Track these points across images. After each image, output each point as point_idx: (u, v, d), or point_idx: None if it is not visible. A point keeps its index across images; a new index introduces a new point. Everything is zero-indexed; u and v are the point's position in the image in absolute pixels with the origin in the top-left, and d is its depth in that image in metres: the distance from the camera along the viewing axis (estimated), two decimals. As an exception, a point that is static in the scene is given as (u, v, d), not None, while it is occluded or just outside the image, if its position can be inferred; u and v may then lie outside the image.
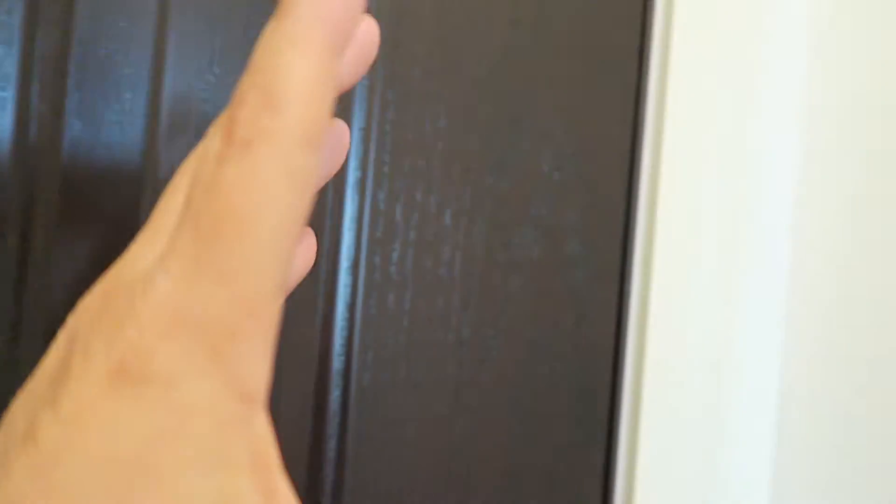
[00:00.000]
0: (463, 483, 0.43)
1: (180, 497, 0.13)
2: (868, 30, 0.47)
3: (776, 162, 0.50)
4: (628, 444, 0.50)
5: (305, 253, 0.20)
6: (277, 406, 0.37)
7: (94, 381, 0.13)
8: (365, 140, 0.37)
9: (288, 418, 0.37)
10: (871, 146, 0.50)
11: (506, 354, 0.43)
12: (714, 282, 0.49)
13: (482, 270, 0.42)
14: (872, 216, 0.51)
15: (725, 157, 0.46)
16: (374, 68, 0.36)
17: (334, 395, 0.38)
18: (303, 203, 0.14)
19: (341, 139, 0.18)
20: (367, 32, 0.16)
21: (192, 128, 0.31)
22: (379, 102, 0.37)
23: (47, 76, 0.28)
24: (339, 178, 0.36)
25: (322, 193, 0.36)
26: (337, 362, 0.38)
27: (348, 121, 0.36)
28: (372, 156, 0.37)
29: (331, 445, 0.38)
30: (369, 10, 0.36)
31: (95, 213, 0.29)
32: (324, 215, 0.36)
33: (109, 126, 0.30)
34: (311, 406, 0.37)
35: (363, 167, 0.37)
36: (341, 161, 0.18)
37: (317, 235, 0.37)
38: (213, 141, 0.14)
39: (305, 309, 0.36)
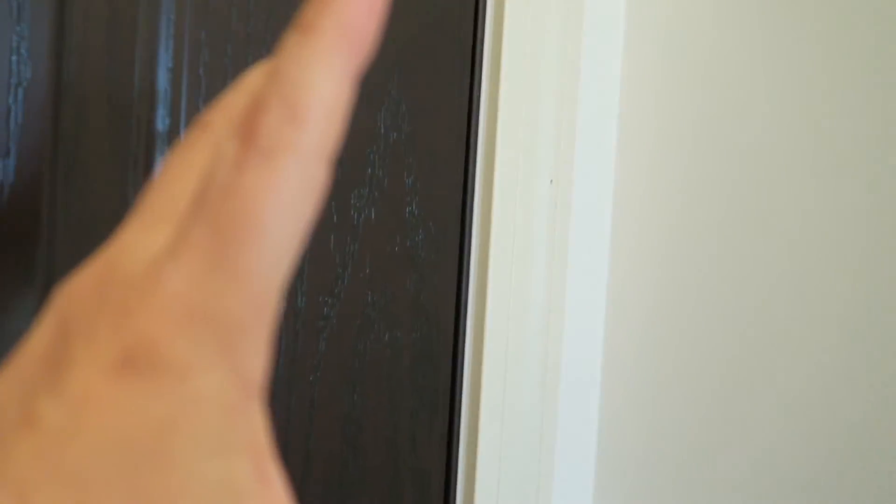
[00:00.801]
0: (302, 453, 0.41)
1: (188, 479, 0.13)
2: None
3: (602, 122, 0.51)
4: (469, 410, 0.49)
5: None
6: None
7: (100, 368, 0.13)
8: (175, 83, 0.33)
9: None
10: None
11: (344, 322, 0.41)
12: (547, 247, 0.49)
13: (317, 234, 0.40)
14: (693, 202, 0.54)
15: (559, 116, 0.47)
16: (182, 4, 0.33)
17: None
18: (312, 211, 0.15)
19: None
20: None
21: None
22: (189, 43, 0.33)
23: None
24: (149, 123, 0.32)
25: (129, 143, 0.32)
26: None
27: (154, 61, 0.32)
28: (184, 102, 0.33)
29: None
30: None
31: None
32: (132, 169, 0.32)
33: None
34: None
35: (173, 114, 0.33)
36: None
37: (128, 189, 0.33)
38: (228, 143, 0.14)
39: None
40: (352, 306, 0.41)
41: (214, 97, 0.33)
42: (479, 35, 0.43)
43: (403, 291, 0.43)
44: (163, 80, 0.32)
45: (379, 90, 0.40)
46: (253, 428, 0.14)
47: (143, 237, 0.15)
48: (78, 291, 0.15)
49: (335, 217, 0.40)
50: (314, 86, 0.14)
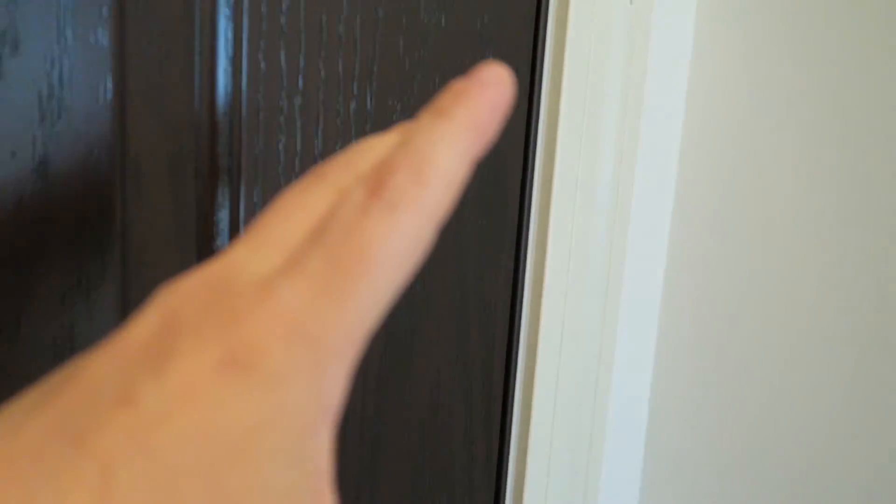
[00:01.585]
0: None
1: (262, 483, 0.14)
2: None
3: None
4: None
5: None
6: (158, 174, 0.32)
7: (204, 363, 0.14)
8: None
9: (172, 186, 0.32)
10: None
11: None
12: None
13: (385, 34, 0.37)
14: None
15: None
16: None
17: (223, 163, 0.33)
18: (416, 264, 0.17)
19: None
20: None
21: None
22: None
23: None
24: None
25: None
26: (223, 124, 0.33)
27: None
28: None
29: (221, 216, 0.33)
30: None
31: None
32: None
33: None
34: (197, 172, 0.32)
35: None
36: None
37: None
38: (356, 190, 0.16)
39: (181, 63, 0.31)
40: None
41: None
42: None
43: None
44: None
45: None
46: (322, 450, 0.15)
47: (254, 258, 0.16)
48: (187, 291, 0.16)
49: (403, 20, 0.38)
50: (441, 159, 0.17)
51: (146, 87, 0.31)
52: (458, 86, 0.18)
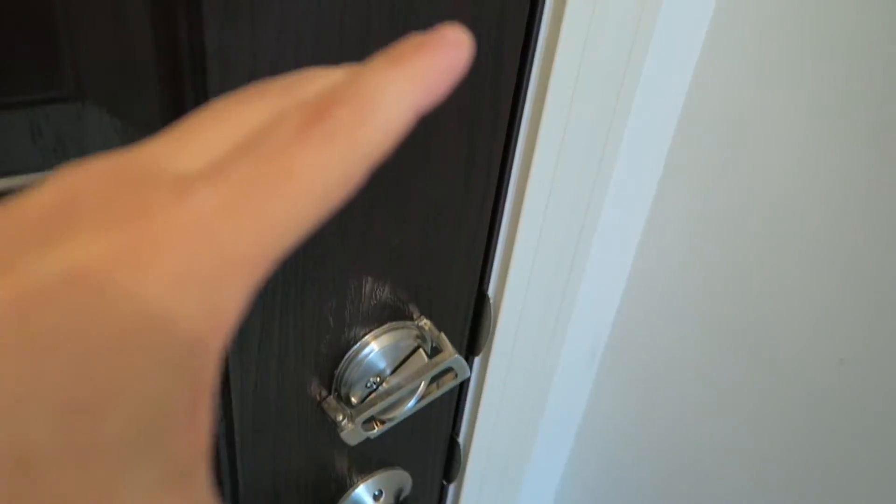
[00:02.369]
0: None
1: (136, 385, 0.13)
2: None
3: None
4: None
5: None
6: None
7: (99, 249, 0.13)
8: None
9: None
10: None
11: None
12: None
13: None
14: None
15: None
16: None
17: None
18: (336, 203, 0.16)
19: None
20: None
21: None
22: None
23: None
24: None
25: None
26: None
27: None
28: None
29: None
30: None
31: None
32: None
33: None
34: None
35: None
36: None
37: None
38: (293, 113, 0.16)
39: None
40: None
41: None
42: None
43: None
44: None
45: None
46: (206, 366, 0.15)
47: (175, 155, 0.16)
48: (96, 172, 0.15)
49: None
50: (387, 104, 0.16)
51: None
52: (418, 39, 0.18)
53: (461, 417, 0.65)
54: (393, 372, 0.52)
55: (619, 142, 0.54)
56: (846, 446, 0.52)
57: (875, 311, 0.48)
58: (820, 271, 0.51)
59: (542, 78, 0.46)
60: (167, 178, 0.15)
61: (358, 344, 0.50)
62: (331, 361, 0.50)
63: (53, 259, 0.13)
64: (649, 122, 0.55)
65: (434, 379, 0.53)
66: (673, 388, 0.66)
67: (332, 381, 0.51)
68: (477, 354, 0.60)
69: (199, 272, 0.14)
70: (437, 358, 0.51)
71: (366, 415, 0.50)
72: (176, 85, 0.33)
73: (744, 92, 0.52)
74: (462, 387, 0.63)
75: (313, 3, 0.34)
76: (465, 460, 0.67)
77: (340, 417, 0.50)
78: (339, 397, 0.51)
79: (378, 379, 0.52)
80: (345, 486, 0.60)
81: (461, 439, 0.66)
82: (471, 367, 0.61)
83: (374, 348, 0.51)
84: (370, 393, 0.52)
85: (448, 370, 0.52)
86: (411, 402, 0.53)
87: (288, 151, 0.15)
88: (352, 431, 0.50)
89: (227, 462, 0.48)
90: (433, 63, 0.17)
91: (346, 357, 0.50)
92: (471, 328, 0.58)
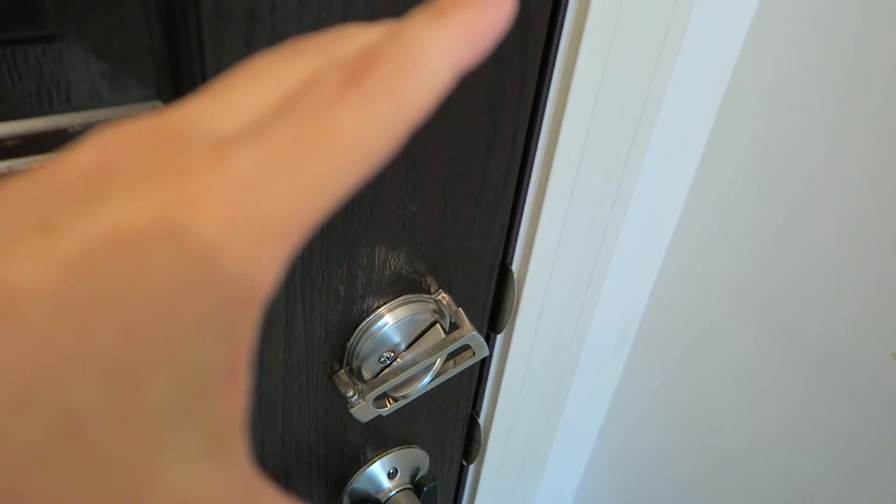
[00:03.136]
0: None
1: (177, 347, 0.13)
2: None
3: None
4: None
5: None
6: None
7: (140, 211, 0.13)
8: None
9: None
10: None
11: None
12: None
13: None
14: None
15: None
16: None
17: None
18: (377, 163, 0.15)
19: None
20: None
21: None
22: None
23: None
24: None
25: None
26: None
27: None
28: None
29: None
30: None
31: None
32: None
33: None
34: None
35: None
36: None
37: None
38: (333, 73, 0.15)
39: None
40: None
41: None
42: None
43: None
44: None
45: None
46: (244, 330, 0.14)
47: (213, 116, 0.15)
48: (134, 133, 0.14)
49: None
50: (429, 60, 0.15)
51: None
52: None
53: (482, 396, 0.62)
54: (408, 347, 0.50)
55: (656, 113, 0.50)
56: None
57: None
58: (872, 259, 0.47)
59: (574, 40, 0.43)
60: (206, 139, 0.14)
61: (371, 316, 0.48)
62: (343, 334, 0.48)
63: (96, 220, 0.13)
64: (691, 89, 0.51)
65: (451, 356, 0.51)
66: (709, 378, 0.62)
67: (345, 354, 0.49)
68: (499, 332, 0.57)
69: (240, 233, 0.14)
70: (455, 334, 0.49)
71: (378, 391, 0.47)
72: (169, 19, 0.30)
73: (791, 58, 0.47)
74: (483, 365, 0.60)
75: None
76: (486, 441, 0.64)
77: (351, 393, 0.47)
78: (350, 371, 0.49)
79: (392, 354, 0.49)
80: (358, 463, 0.57)
81: (482, 419, 0.64)
82: (493, 345, 0.58)
83: (389, 321, 0.48)
84: (383, 368, 0.49)
85: (465, 347, 0.50)
86: (426, 380, 0.50)
87: (328, 111, 0.15)
88: (363, 408, 0.47)
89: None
90: (478, 18, 0.16)
91: (358, 329, 0.48)
92: (493, 304, 0.55)
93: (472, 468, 0.69)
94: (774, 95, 0.50)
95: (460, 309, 0.49)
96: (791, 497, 0.57)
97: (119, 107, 0.31)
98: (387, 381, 0.48)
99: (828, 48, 0.46)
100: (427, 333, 0.49)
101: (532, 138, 0.47)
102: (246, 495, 0.15)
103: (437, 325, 0.49)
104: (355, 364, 0.49)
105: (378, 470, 0.59)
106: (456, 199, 0.45)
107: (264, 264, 0.14)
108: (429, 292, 0.50)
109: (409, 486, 0.60)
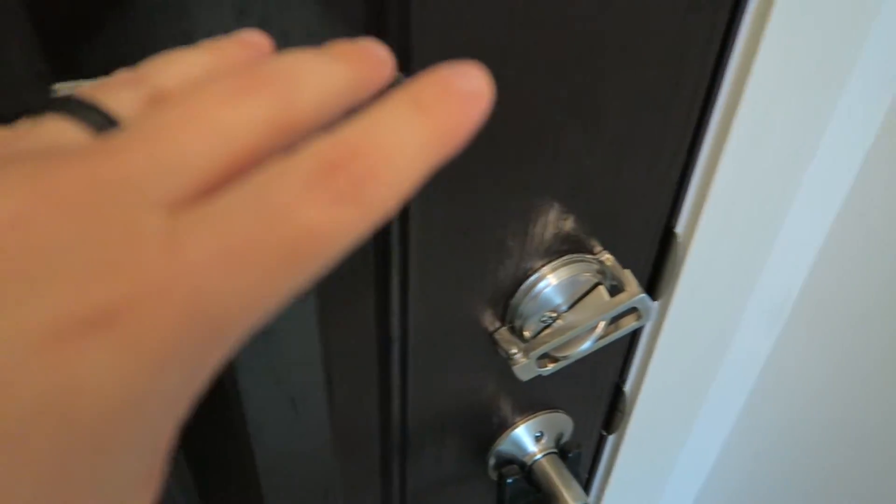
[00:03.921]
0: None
1: (111, 475, 0.13)
2: None
3: None
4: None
5: None
6: None
7: (66, 315, 0.12)
8: None
9: None
10: None
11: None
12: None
13: None
14: None
15: None
16: None
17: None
18: (338, 258, 0.14)
19: None
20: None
21: None
22: None
23: None
24: None
25: None
26: None
27: None
28: None
29: None
30: None
31: None
32: None
33: None
34: None
35: None
36: None
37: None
38: (303, 160, 0.14)
39: None
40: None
41: None
42: None
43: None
44: None
45: None
46: (173, 431, 0.14)
47: (153, 170, 0.14)
48: (64, 193, 0.13)
49: None
50: (407, 159, 0.14)
51: None
52: (444, 77, 0.15)
53: (630, 366, 0.61)
54: (570, 308, 0.49)
55: (841, 83, 0.47)
56: None
57: None
58: None
59: (760, 11, 0.40)
60: (152, 208, 0.13)
61: (535, 275, 0.48)
62: (506, 291, 0.48)
63: (16, 325, 0.11)
64: (879, 62, 0.48)
65: (614, 319, 0.50)
66: (868, 355, 0.59)
67: (506, 311, 0.49)
68: (657, 299, 0.55)
69: (188, 351, 0.13)
70: (621, 296, 0.48)
71: (541, 350, 0.47)
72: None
73: None
74: (634, 333, 0.59)
75: None
76: (630, 411, 0.63)
77: (514, 350, 0.47)
78: (512, 329, 0.49)
79: (553, 314, 0.49)
80: (506, 424, 0.58)
81: (627, 389, 0.63)
82: (647, 313, 0.57)
83: (552, 282, 0.48)
84: (544, 328, 0.49)
85: (631, 310, 0.49)
86: (588, 343, 0.50)
87: (291, 207, 0.13)
88: (525, 366, 0.48)
89: (398, 380, 0.48)
90: (460, 113, 0.15)
91: (521, 288, 0.48)
92: (652, 269, 0.54)
93: (611, 439, 0.68)
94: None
95: (627, 270, 0.48)
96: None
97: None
98: (549, 341, 0.48)
99: None
100: (589, 295, 0.49)
101: (711, 97, 0.45)
102: None
103: (600, 286, 0.49)
104: (518, 322, 0.49)
105: (524, 433, 0.59)
106: (631, 154, 0.44)
107: (205, 373, 0.13)
108: (592, 252, 0.49)
109: (555, 450, 0.59)
